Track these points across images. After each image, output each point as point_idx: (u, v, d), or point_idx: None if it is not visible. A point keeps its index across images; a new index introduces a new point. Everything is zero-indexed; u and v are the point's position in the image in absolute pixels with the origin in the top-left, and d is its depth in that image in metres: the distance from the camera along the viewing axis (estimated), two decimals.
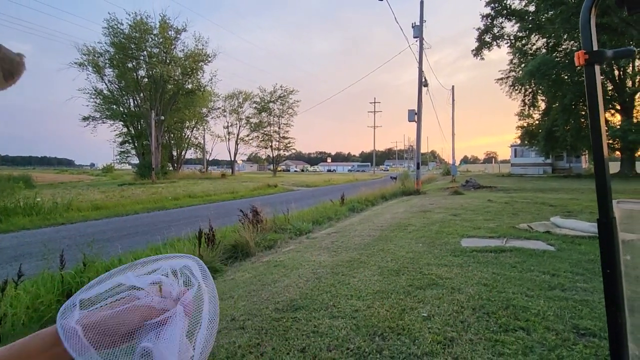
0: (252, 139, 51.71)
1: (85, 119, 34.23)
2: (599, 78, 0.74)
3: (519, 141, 35.11)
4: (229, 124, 52.08)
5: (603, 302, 0.85)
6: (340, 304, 3.07)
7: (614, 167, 28.26)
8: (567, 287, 3.29)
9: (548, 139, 27.61)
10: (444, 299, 3.10)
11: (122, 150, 38.69)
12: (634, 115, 26.82)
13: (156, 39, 33.81)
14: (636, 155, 27.64)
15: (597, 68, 0.74)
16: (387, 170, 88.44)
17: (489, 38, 25.96)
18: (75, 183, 28.32)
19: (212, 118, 49.20)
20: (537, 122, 31.15)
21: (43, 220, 9.04)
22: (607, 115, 28.58)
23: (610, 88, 27.92)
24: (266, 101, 49.86)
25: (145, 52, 33.94)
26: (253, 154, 56.38)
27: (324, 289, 3.47)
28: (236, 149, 52.51)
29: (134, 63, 33.75)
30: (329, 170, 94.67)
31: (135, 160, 37.46)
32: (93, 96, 33.81)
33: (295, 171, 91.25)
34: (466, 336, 2.44)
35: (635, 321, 0.77)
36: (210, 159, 54.93)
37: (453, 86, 34.86)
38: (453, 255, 4.56)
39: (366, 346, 2.35)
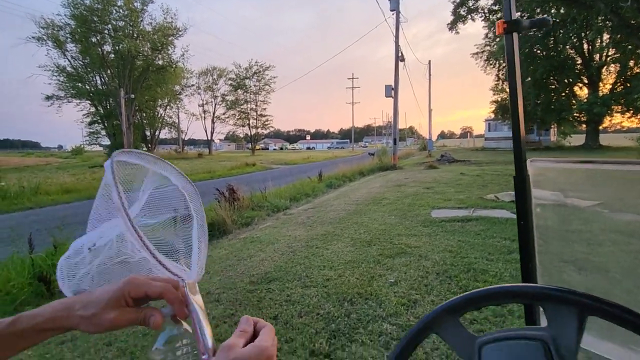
0: (228, 117, 50.61)
1: (48, 98, 32.27)
2: (517, 45, 0.80)
3: (493, 116, 35.98)
4: (204, 102, 50.66)
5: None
6: (313, 274, 3.20)
7: (579, 140, 29.53)
8: None
9: None
10: (411, 265, 3.28)
11: (92, 131, 37.04)
12: (600, 88, 27.85)
13: (121, 11, 31.91)
14: (600, 127, 28.92)
15: (515, 36, 0.80)
16: (366, 146, 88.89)
17: (464, 11, 25.99)
18: (43, 166, 27.13)
19: (186, 96, 47.65)
20: None
21: (9, 205, 8.71)
22: (576, 88, 29.60)
23: (579, 62, 28.75)
24: (242, 77, 48.53)
25: (109, 26, 32.04)
26: (230, 133, 55.36)
27: (298, 261, 3.58)
28: (213, 128, 51.35)
29: (98, 37, 31.86)
30: (308, 148, 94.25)
31: (106, 142, 36.07)
32: (55, 73, 31.86)
33: (274, 149, 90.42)
34: (428, 298, 2.62)
35: (544, 265, 0.88)
36: (186, 138, 53.57)
37: (430, 60, 34.97)
38: (423, 225, 4.77)
39: (335, 311, 2.48)
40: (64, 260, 0.57)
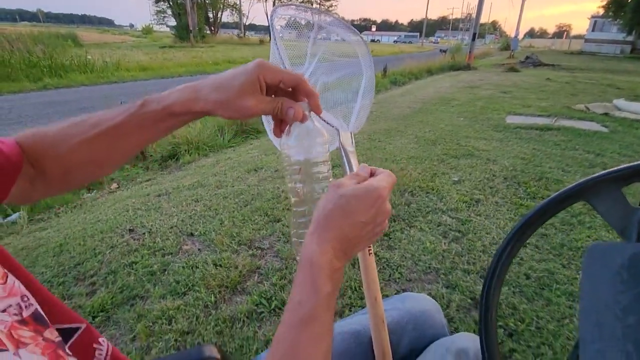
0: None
1: None
2: None
3: (602, 12, 29.58)
4: None
5: None
6: (375, 165, 3.25)
7: None
8: (608, 165, 3.24)
9: (637, 11, 22.96)
10: (477, 167, 3.20)
11: (159, 9, 37.06)
12: None
13: None
14: None
15: None
16: (437, 42, 79.75)
17: None
18: (119, 44, 28.36)
19: None
20: None
21: (97, 77, 9.52)
22: None
23: None
24: None
25: None
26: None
27: (360, 152, 3.65)
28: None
29: None
30: (372, 41, 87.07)
31: (172, 22, 36.10)
32: None
33: (337, 40, 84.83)
34: (492, 199, 2.61)
35: None
36: (247, 23, 51.75)
37: None
38: (495, 130, 4.48)
39: (395, 199, 2.59)
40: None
